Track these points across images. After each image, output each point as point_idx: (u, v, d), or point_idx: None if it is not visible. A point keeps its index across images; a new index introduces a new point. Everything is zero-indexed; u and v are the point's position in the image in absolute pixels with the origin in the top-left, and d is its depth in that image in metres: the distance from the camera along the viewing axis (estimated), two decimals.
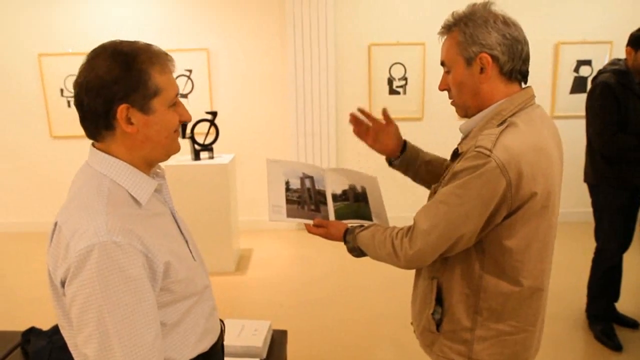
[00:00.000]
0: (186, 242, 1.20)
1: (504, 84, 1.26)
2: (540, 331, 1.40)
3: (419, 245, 1.25)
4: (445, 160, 1.62)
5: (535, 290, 1.30)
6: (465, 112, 1.34)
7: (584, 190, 3.00)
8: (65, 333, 1.06)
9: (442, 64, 1.33)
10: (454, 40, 1.26)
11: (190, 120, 1.14)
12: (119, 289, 0.92)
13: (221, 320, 1.36)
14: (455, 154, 1.31)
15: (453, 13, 1.28)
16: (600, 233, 2.92)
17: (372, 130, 1.66)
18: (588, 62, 4.82)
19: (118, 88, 0.99)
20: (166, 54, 1.07)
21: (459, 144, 1.31)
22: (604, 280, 2.94)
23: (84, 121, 1.04)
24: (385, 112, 1.67)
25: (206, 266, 1.32)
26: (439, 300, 1.35)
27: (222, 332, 1.35)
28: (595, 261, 2.97)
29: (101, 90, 0.99)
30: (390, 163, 1.67)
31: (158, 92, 1.03)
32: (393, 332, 3.07)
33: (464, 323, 1.32)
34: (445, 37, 1.31)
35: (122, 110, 1.00)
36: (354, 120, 1.68)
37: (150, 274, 1.00)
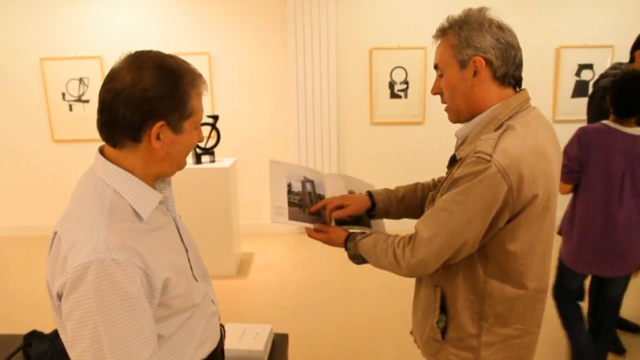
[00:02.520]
0: (186, 251, 1.18)
1: (498, 88, 1.26)
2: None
3: (421, 254, 1.23)
4: (417, 185, 1.64)
5: (540, 291, 1.30)
6: (457, 117, 1.33)
7: None
8: (64, 339, 1.06)
9: (436, 67, 1.32)
10: (448, 43, 1.26)
11: (202, 141, 1.16)
12: (115, 307, 0.91)
13: (222, 326, 1.35)
14: (453, 161, 1.30)
15: (448, 17, 1.28)
16: None
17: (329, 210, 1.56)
18: (589, 66, 4.82)
19: (160, 105, 0.99)
20: (202, 77, 1.09)
21: (456, 150, 1.31)
22: None
23: (111, 128, 1.01)
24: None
25: (207, 271, 1.31)
26: (443, 308, 1.34)
27: (222, 337, 1.34)
28: None
29: (143, 104, 0.98)
30: (370, 216, 1.63)
31: (191, 114, 1.05)
32: (394, 336, 3.06)
33: (470, 330, 1.30)
34: (439, 40, 1.31)
35: (157, 127, 1.00)
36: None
37: (149, 290, 0.98)
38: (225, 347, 1.42)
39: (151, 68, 0.99)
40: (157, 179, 1.12)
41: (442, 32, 1.29)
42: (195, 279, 1.18)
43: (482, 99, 1.26)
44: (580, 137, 2.33)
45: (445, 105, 1.35)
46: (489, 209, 1.16)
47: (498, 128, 1.21)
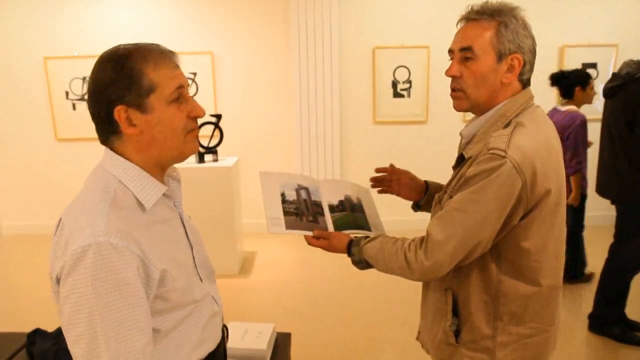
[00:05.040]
0: (191, 248, 1.18)
1: (517, 88, 1.26)
2: (557, 329, 1.38)
3: (436, 256, 1.21)
4: None
5: (554, 288, 1.29)
6: (471, 106, 1.29)
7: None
8: (62, 323, 1.05)
9: (465, 49, 1.24)
10: (493, 30, 1.21)
11: (202, 114, 1.08)
12: (111, 292, 0.91)
13: (225, 326, 1.34)
14: (460, 160, 1.29)
15: (486, 3, 1.25)
16: (630, 247, 2.86)
17: (392, 181, 1.64)
18: (593, 65, 4.80)
19: (112, 90, 0.98)
20: (162, 50, 1.04)
21: (464, 149, 1.29)
22: (626, 287, 2.93)
23: (96, 128, 1.04)
24: (386, 169, 1.66)
25: (214, 271, 1.30)
26: (455, 311, 1.32)
27: (224, 338, 1.32)
28: (620, 271, 2.92)
29: (99, 96, 0.99)
30: (418, 207, 1.64)
31: (153, 88, 1.00)
32: (397, 335, 3.06)
33: (485, 331, 1.29)
34: (473, 23, 1.24)
35: (119, 111, 0.99)
36: (375, 181, 1.67)
37: (145, 279, 0.98)
38: (227, 346, 1.41)
39: (101, 60, 1.01)
40: (161, 169, 1.10)
41: (488, 16, 1.23)
42: (200, 278, 1.17)
43: (502, 96, 1.25)
44: None
45: (457, 90, 1.28)
46: (504, 206, 1.15)
47: (507, 125, 1.21)
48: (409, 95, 4.93)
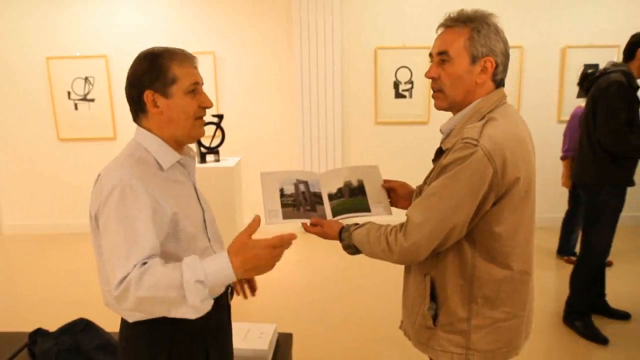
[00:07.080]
0: (203, 211, 1.41)
1: (490, 88, 1.36)
2: (528, 317, 1.46)
3: (413, 238, 1.30)
4: None
5: (524, 273, 1.38)
6: (449, 105, 1.39)
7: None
8: (100, 265, 1.30)
9: (442, 52, 1.35)
10: (466, 35, 1.32)
11: (210, 106, 1.35)
12: (130, 210, 1.18)
13: (231, 287, 1.54)
14: (439, 153, 1.39)
15: (462, 10, 1.36)
16: (595, 232, 2.92)
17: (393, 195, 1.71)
18: (595, 66, 4.79)
19: (145, 78, 1.28)
20: (186, 53, 1.33)
21: (442, 143, 1.39)
22: (593, 276, 3.00)
23: (130, 107, 1.33)
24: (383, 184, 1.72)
25: (223, 241, 1.48)
26: (433, 296, 1.40)
27: (227, 295, 1.49)
28: (586, 259, 2.99)
29: (135, 82, 1.29)
30: None
31: (175, 80, 1.28)
32: (398, 335, 3.04)
33: (460, 314, 1.37)
34: (454, 28, 1.35)
35: (147, 94, 1.28)
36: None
37: (161, 213, 1.23)
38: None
39: (139, 56, 1.31)
40: (176, 144, 1.35)
41: (463, 22, 1.34)
42: (209, 239, 1.39)
43: (477, 94, 1.36)
44: None
45: (436, 90, 1.41)
46: (476, 191, 1.24)
47: (481, 119, 1.31)
48: (410, 96, 4.92)
